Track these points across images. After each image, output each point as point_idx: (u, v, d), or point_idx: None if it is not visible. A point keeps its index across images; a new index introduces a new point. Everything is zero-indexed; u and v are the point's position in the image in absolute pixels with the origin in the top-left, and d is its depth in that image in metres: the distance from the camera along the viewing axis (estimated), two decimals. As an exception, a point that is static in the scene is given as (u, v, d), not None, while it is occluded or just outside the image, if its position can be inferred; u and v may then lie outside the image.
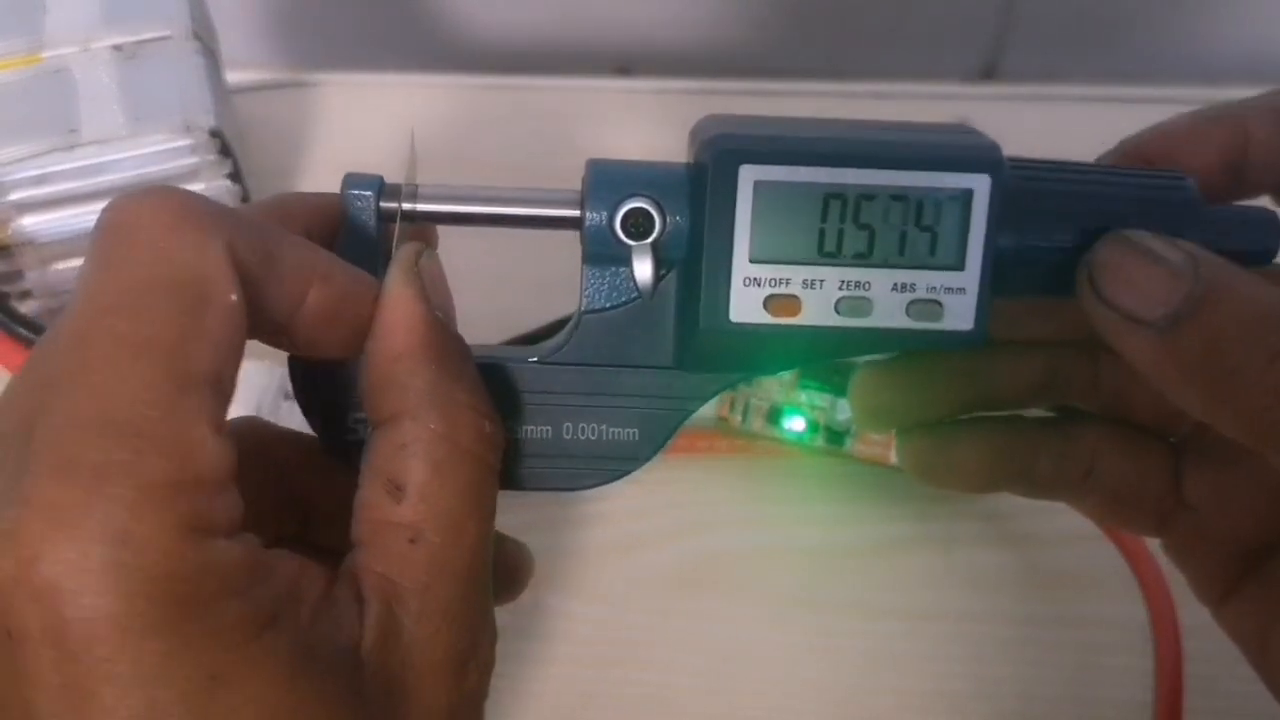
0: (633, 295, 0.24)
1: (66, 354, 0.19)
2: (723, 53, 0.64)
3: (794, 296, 0.23)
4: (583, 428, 0.25)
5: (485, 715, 0.23)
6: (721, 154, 0.23)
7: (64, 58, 0.46)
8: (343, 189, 0.24)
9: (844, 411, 0.43)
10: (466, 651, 0.22)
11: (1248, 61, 0.62)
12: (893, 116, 0.25)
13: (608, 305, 0.24)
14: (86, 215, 0.44)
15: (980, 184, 0.23)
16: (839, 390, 0.43)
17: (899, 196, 0.23)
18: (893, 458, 0.43)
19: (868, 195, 0.23)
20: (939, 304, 0.23)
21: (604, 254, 0.24)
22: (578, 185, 0.24)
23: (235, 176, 0.46)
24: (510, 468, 0.24)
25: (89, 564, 0.17)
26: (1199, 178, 0.25)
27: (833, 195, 0.23)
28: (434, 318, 0.22)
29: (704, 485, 0.43)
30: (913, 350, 0.25)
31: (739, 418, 0.43)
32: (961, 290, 0.23)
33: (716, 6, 0.62)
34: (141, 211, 0.20)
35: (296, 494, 0.26)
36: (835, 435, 0.43)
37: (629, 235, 0.24)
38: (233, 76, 0.52)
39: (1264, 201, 0.26)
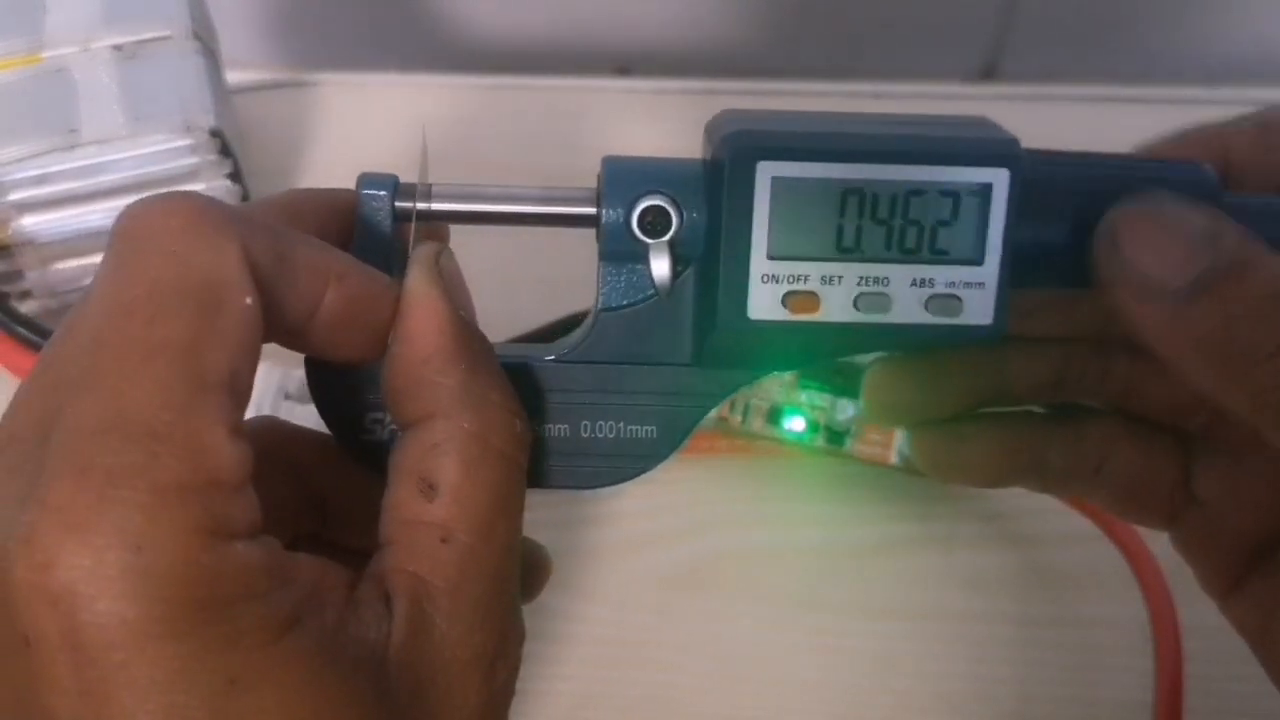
0: (650, 293, 0.24)
1: (81, 357, 0.19)
2: (723, 53, 0.64)
3: (812, 293, 0.23)
4: (600, 426, 0.25)
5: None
6: (739, 150, 0.23)
7: (64, 58, 0.46)
8: (357, 188, 0.24)
9: (844, 411, 0.43)
10: (495, 650, 0.22)
11: (1248, 61, 0.62)
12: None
13: (625, 303, 0.24)
14: (87, 215, 0.44)
15: (999, 178, 0.23)
16: (839, 390, 0.43)
17: (917, 191, 0.23)
18: (893, 458, 0.43)
19: (886, 190, 0.23)
20: (958, 299, 0.23)
21: (621, 251, 0.24)
22: (579, 185, 0.24)
23: (235, 176, 0.46)
24: (529, 466, 0.24)
25: (105, 568, 0.17)
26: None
27: (850, 191, 0.23)
28: (459, 317, 0.22)
29: (704, 485, 0.43)
30: (932, 347, 0.25)
31: (739, 418, 0.43)
32: (980, 285, 0.23)
33: (716, 6, 0.62)
34: (156, 216, 0.20)
35: (313, 493, 0.26)
36: (835, 435, 0.43)
37: (645, 233, 0.24)
38: (233, 76, 0.52)
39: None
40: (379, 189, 0.24)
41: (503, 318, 0.26)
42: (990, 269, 0.23)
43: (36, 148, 0.44)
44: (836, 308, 0.23)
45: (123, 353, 0.19)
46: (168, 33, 0.47)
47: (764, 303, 0.23)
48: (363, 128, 0.56)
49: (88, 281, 0.21)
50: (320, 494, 0.26)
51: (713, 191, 0.23)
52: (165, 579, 0.18)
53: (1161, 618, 0.39)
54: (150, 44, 0.47)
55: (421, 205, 0.24)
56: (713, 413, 0.43)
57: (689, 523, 0.43)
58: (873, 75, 0.57)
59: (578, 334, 0.25)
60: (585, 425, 0.25)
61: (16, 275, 0.45)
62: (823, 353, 0.25)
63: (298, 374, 0.43)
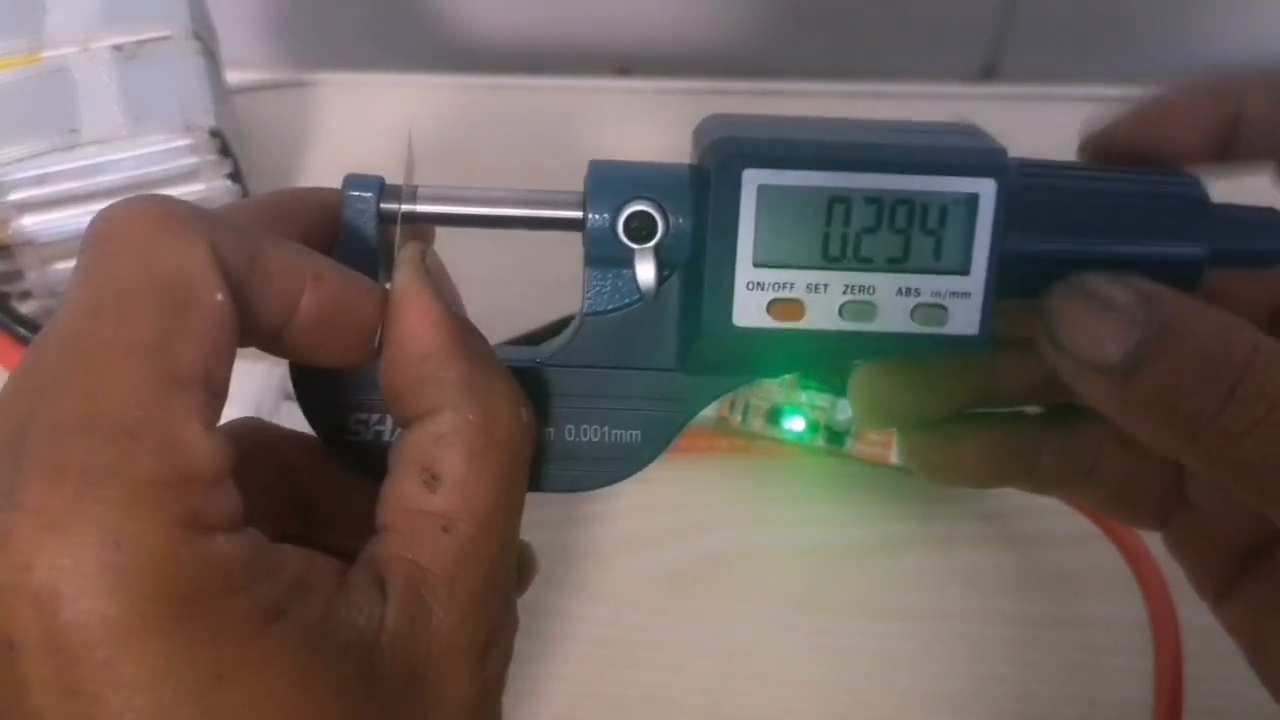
0: (635, 297, 0.24)
1: (54, 359, 0.19)
2: (723, 53, 0.64)
3: (798, 300, 0.23)
4: (585, 429, 0.25)
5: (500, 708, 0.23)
6: (725, 158, 0.23)
7: (64, 58, 0.46)
8: (343, 190, 0.24)
9: (844, 411, 0.43)
10: (489, 640, 0.22)
11: (1248, 61, 0.62)
12: (893, 116, 0.25)
13: (610, 307, 0.24)
14: (87, 215, 0.43)
15: (986, 188, 0.23)
16: (839, 390, 0.43)
17: (904, 200, 0.23)
18: (893, 458, 0.43)
19: (872, 199, 0.23)
20: (944, 308, 0.23)
21: (606, 256, 0.24)
22: (578, 186, 0.24)
23: (235, 176, 0.46)
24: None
25: (84, 567, 0.17)
26: (1184, 146, 0.24)
27: (837, 199, 0.23)
28: (452, 312, 0.22)
29: (704, 485, 0.43)
30: (918, 356, 0.25)
31: (739, 418, 0.43)
32: (966, 295, 0.23)
33: (716, 6, 0.62)
34: (124, 220, 0.20)
35: (297, 494, 0.26)
36: (835, 435, 0.43)
37: (631, 238, 0.24)
38: (233, 76, 0.52)
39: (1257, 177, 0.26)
40: (364, 190, 0.24)
41: (497, 319, 0.26)
42: (977, 279, 0.23)
43: (37, 148, 0.44)
44: (821, 316, 0.23)
45: (94, 354, 0.19)
46: (168, 33, 0.47)
47: (749, 310, 0.23)
48: (363, 128, 0.56)
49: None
50: (304, 495, 0.26)
51: (699, 198, 0.23)
52: (145, 575, 0.18)
53: (1161, 618, 0.39)
54: (150, 44, 0.47)
55: (407, 207, 0.24)
56: (712, 412, 0.43)
57: (689, 523, 0.43)
58: (872, 75, 0.57)
59: (563, 338, 0.25)
60: (569, 429, 0.25)
61: (16, 275, 0.45)
62: (808, 360, 0.25)
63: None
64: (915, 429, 0.28)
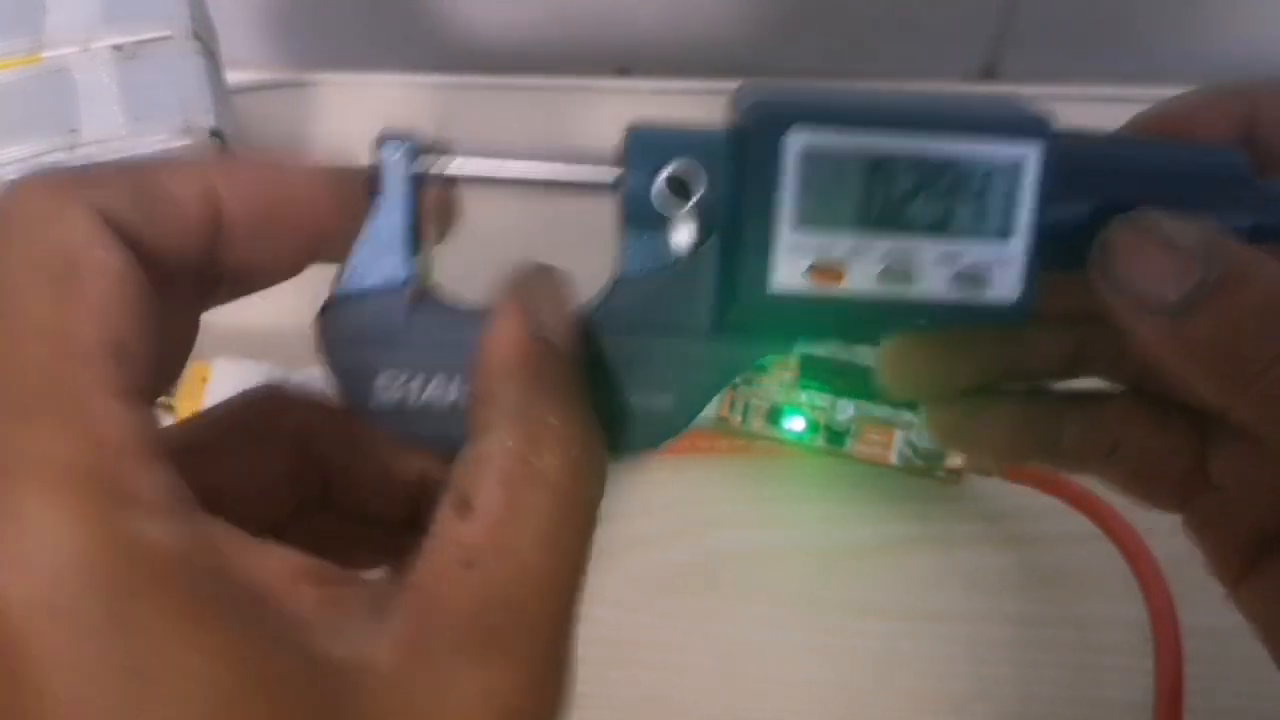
0: (670, 261, 0.24)
1: None
2: (723, 53, 0.64)
3: (837, 264, 0.23)
4: (617, 395, 0.24)
5: None
6: (766, 117, 0.22)
7: (64, 58, 0.46)
8: (376, 147, 0.24)
9: (844, 411, 0.43)
10: (522, 709, 0.19)
11: (1248, 61, 0.62)
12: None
13: (644, 271, 0.24)
14: None
15: (1030, 152, 0.22)
16: (839, 390, 0.43)
17: (946, 163, 0.22)
18: (893, 458, 0.43)
19: (914, 162, 0.22)
20: (985, 275, 0.23)
21: (642, 218, 0.23)
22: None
23: (235, 176, 0.46)
24: None
25: None
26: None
27: (878, 161, 0.22)
28: (533, 336, 0.22)
29: (704, 485, 0.43)
30: (957, 324, 0.25)
31: (739, 418, 0.43)
32: (1008, 261, 0.23)
33: (716, 6, 0.62)
34: (6, 203, 0.19)
35: (317, 457, 0.25)
36: (835, 435, 0.43)
37: (669, 199, 0.23)
38: (233, 76, 0.52)
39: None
40: (398, 150, 0.24)
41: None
42: (1019, 245, 0.23)
43: (37, 148, 0.44)
44: (861, 280, 0.23)
45: None
46: (168, 33, 0.47)
47: (788, 273, 0.23)
48: (363, 128, 0.56)
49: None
50: (324, 458, 0.25)
51: (738, 159, 0.23)
52: (53, 558, 0.17)
53: (1161, 618, 0.39)
54: (150, 44, 0.47)
55: (441, 164, 0.23)
56: (712, 412, 0.43)
57: (689, 523, 0.43)
58: (873, 75, 0.57)
59: (594, 301, 0.24)
60: (601, 395, 0.24)
61: (16, 275, 0.45)
62: (845, 326, 0.24)
63: (297, 374, 0.43)
64: (940, 401, 0.28)
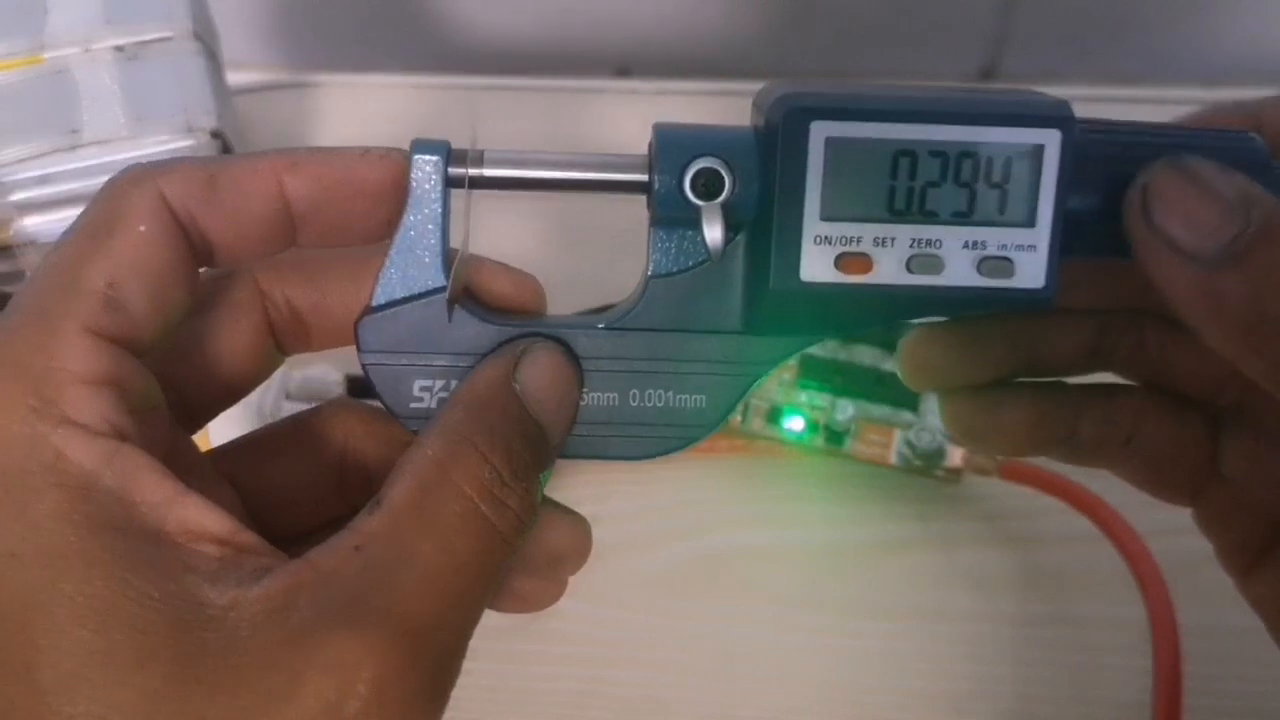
0: (700, 258, 0.24)
1: None
2: (723, 53, 0.64)
3: (865, 254, 0.23)
4: (649, 394, 0.25)
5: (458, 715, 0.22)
6: (793, 111, 0.23)
7: (65, 58, 0.46)
8: (409, 154, 0.24)
9: (844, 411, 0.43)
10: (394, 683, 0.19)
11: (1248, 61, 0.62)
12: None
13: (675, 269, 0.24)
14: None
15: (1051, 139, 0.23)
16: (839, 390, 0.43)
17: (969, 152, 0.23)
18: (893, 458, 0.43)
19: (938, 151, 0.23)
20: (1010, 261, 0.23)
21: (672, 216, 0.24)
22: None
23: (236, 177, 0.46)
24: (575, 437, 0.24)
25: None
26: None
27: (903, 152, 0.23)
28: (503, 389, 0.23)
29: (704, 485, 0.44)
30: (983, 310, 0.25)
31: (739, 418, 0.43)
32: (1032, 247, 0.23)
33: (716, 7, 0.62)
34: (105, 185, 0.22)
35: (360, 463, 0.26)
36: (835, 435, 0.43)
37: (698, 196, 0.24)
38: (234, 77, 0.52)
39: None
40: (431, 154, 0.24)
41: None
42: (1042, 231, 0.23)
43: (38, 148, 0.44)
44: (889, 269, 0.23)
45: (34, 273, 0.22)
46: (169, 33, 0.47)
47: (816, 264, 0.23)
48: (363, 128, 0.56)
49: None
50: (368, 464, 0.26)
51: (765, 154, 0.23)
52: None
53: (1161, 618, 0.39)
54: (152, 45, 0.47)
55: (474, 171, 0.24)
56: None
57: (688, 523, 0.43)
58: (872, 75, 0.57)
59: (627, 301, 0.25)
60: (634, 394, 0.25)
61: (18, 276, 0.45)
62: (874, 316, 0.24)
63: (298, 374, 0.43)
64: (957, 392, 0.28)
